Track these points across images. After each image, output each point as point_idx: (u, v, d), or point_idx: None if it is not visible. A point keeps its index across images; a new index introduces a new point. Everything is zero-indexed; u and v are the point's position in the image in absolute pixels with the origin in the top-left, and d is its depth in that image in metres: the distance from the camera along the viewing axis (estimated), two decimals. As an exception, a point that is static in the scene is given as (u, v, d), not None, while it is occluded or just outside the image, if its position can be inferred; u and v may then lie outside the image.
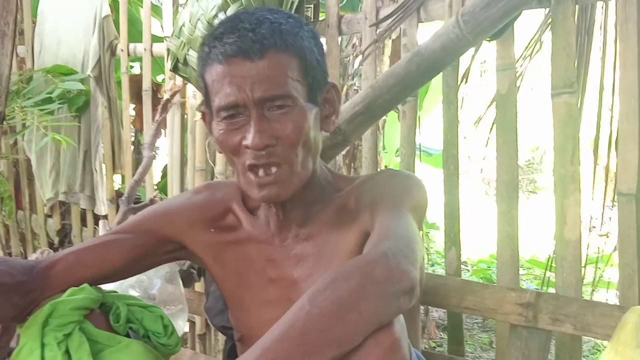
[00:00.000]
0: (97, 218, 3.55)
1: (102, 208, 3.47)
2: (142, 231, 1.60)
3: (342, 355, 1.08)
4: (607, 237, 2.33)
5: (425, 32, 2.39)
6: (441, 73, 2.11)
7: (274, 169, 1.35)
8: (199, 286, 2.77)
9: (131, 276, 1.69)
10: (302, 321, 1.07)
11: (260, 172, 1.35)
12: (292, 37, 1.35)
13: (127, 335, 1.52)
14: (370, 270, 1.13)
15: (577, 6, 1.96)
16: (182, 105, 3.07)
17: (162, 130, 3.19)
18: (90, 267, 1.55)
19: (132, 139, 3.99)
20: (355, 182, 1.51)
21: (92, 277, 1.54)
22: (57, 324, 1.39)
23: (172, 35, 2.47)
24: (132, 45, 3.29)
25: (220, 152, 1.47)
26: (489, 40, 2.04)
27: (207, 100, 1.43)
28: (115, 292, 1.65)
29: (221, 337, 2.81)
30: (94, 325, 1.45)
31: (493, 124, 2.22)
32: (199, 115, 2.81)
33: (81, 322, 1.43)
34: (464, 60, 2.25)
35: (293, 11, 2.22)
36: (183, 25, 2.35)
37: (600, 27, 2.21)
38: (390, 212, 1.35)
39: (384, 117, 3.23)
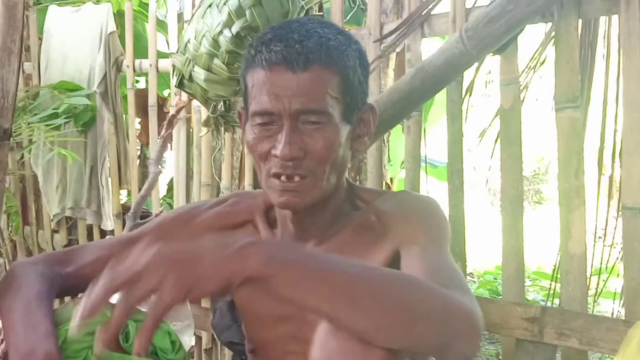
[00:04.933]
0: (103, 233, 3.55)
1: (109, 223, 3.48)
2: (162, 237, 1.60)
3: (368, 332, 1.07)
4: (613, 247, 2.33)
5: (430, 47, 2.40)
6: (445, 88, 2.12)
7: (297, 179, 1.34)
8: (205, 302, 2.77)
9: None
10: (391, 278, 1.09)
11: (283, 178, 1.35)
12: (337, 54, 1.35)
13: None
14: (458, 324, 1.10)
15: (580, 20, 1.97)
16: (188, 120, 3.08)
17: (169, 144, 3.19)
18: None
19: (138, 152, 4.00)
20: (374, 201, 1.50)
21: None
22: (72, 350, 1.39)
23: (177, 52, 2.48)
24: (137, 61, 3.30)
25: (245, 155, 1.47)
26: (493, 55, 2.05)
27: (244, 102, 1.43)
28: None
29: (227, 352, 2.81)
30: None
31: (498, 135, 2.22)
32: (204, 130, 2.82)
33: (93, 345, 1.43)
34: (469, 72, 2.26)
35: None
36: (188, 41, 2.36)
37: (604, 38, 2.22)
38: (440, 256, 1.34)
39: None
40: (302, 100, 1.32)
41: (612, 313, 2.72)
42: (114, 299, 1.62)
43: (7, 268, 3.85)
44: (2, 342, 1.43)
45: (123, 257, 1.03)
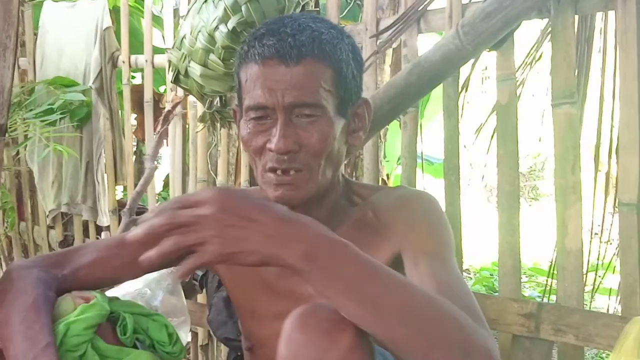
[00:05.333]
0: (99, 229, 3.55)
1: (104, 219, 3.48)
2: (159, 238, 1.62)
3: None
4: (610, 243, 2.33)
5: (426, 43, 2.39)
6: (442, 84, 2.12)
7: (292, 172, 1.35)
8: (201, 298, 2.77)
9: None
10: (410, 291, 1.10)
11: (279, 172, 1.35)
12: (330, 48, 1.36)
13: (134, 346, 1.53)
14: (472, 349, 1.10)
15: (576, 16, 1.97)
16: (184, 116, 3.08)
17: (165, 140, 3.19)
18: (108, 277, 1.62)
19: (134, 148, 3.98)
20: (371, 197, 1.50)
21: (109, 281, 1.66)
22: (72, 344, 1.39)
23: (173, 47, 2.48)
24: (133, 56, 3.29)
25: (245, 151, 1.48)
26: (489, 51, 2.04)
27: (238, 98, 1.44)
28: (117, 298, 1.66)
29: (224, 348, 2.81)
30: (102, 338, 1.45)
31: (494, 131, 2.22)
32: (200, 126, 2.82)
33: (92, 339, 1.43)
34: (465, 68, 2.26)
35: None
36: (184, 37, 2.35)
37: (600, 34, 2.22)
38: (452, 272, 1.34)
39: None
40: (295, 94, 1.32)
41: (608, 309, 2.72)
42: (111, 293, 1.63)
43: (2, 264, 3.85)
44: None
45: (190, 196, 1.11)
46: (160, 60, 3.14)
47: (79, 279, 1.58)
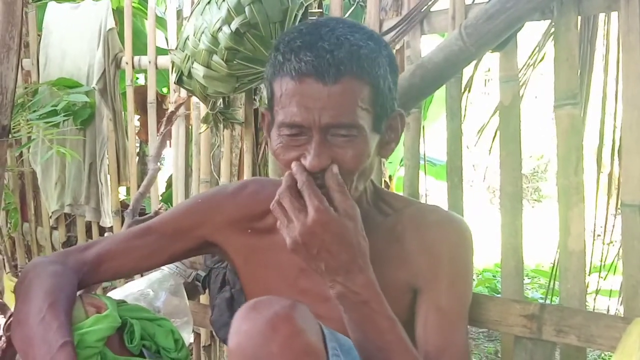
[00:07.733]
0: (102, 230, 3.55)
1: (107, 220, 3.48)
2: (180, 231, 1.66)
3: None
4: (612, 244, 2.33)
5: (429, 44, 2.39)
6: (445, 85, 2.12)
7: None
8: (203, 298, 2.77)
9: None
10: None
11: None
12: (369, 64, 1.33)
13: (141, 354, 1.53)
14: None
15: (579, 17, 1.96)
16: (187, 117, 3.08)
17: (168, 141, 3.19)
18: (128, 269, 1.68)
19: (137, 149, 3.98)
20: (403, 210, 1.53)
21: (127, 273, 1.74)
22: (84, 356, 1.40)
23: (176, 48, 2.48)
24: (136, 57, 3.29)
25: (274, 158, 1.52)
26: (492, 52, 2.05)
27: (270, 106, 1.42)
28: (125, 302, 1.66)
29: (226, 349, 2.80)
30: (110, 348, 1.46)
31: (496, 133, 2.22)
32: (203, 127, 2.82)
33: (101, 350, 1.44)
34: (468, 69, 2.25)
35: (297, 23, 2.23)
36: (187, 38, 2.36)
37: (604, 37, 2.22)
38: (451, 330, 1.48)
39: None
40: (332, 114, 1.30)
41: (609, 310, 2.71)
42: (116, 295, 1.63)
43: (5, 265, 3.85)
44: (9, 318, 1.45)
45: (313, 190, 1.28)
46: (164, 61, 3.14)
47: (99, 273, 1.61)
